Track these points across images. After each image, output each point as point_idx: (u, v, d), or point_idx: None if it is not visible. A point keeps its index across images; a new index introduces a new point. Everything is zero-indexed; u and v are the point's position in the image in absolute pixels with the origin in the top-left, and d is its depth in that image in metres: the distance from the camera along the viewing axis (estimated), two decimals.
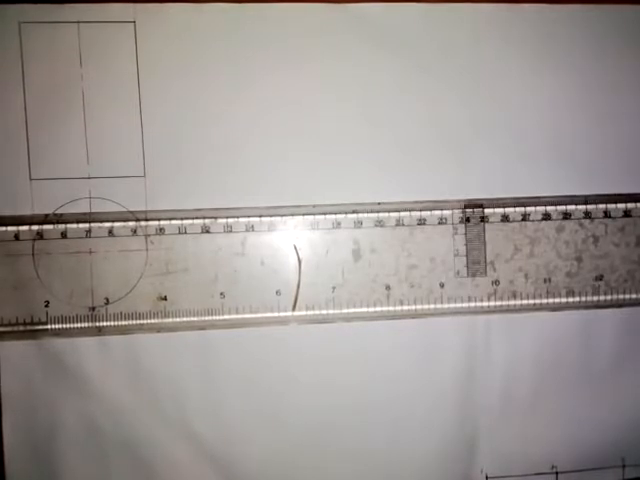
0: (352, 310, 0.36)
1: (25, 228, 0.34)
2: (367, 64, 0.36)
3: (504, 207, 0.37)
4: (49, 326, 0.34)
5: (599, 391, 0.38)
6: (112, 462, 0.35)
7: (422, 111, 0.36)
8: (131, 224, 0.35)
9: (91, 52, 0.35)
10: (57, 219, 0.35)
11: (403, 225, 0.36)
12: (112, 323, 0.35)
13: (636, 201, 0.37)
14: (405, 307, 0.36)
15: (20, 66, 0.34)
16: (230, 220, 0.35)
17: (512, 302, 0.37)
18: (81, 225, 0.35)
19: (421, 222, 0.36)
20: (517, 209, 0.37)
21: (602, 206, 0.37)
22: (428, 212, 0.36)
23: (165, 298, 0.35)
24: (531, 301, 0.37)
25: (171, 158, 0.35)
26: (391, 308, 0.36)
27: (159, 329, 0.35)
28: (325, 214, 0.36)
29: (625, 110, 0.37)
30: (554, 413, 0.38)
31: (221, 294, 0.35)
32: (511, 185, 0.37)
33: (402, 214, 0.36)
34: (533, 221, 0.37)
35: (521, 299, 0.37)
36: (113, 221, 0.35)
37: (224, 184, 0.36)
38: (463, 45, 0.37)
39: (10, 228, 0.34)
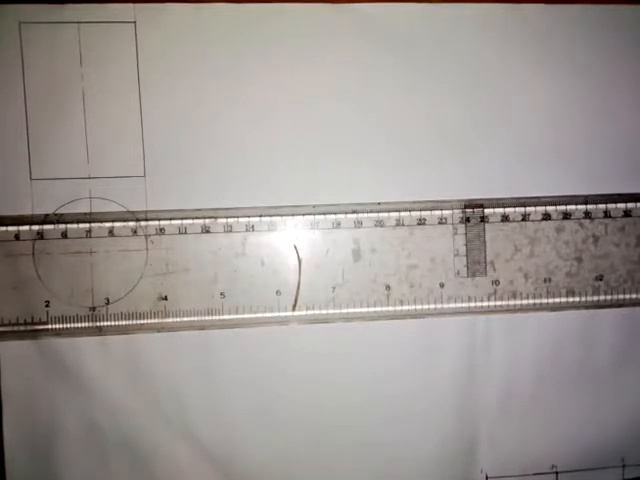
0: (352, 310, 0.36)
1: (25, 228, 0.34)
2: (367, 64, 0.36)
3: (504, 207, 0.37)
4: (49, 326, 0.35)
5: (599, 391, 0.38)
6: (112, 462, 0.35)
7: (422, 111, 0.36)
8: (131, 224, 0.35)
9: (91, 52, 0.35)
10: (57, 219, 0.35)
11: (403, 225, 0.36)
12: (112, 323, 0.35)
13: (636, 201, 0.37)
14: (405, 307, 0.36)
15: (20, 66, 0.34)
16: (230, 220, 0.35)
17: (512, 302, 0.37)
18: (81, 225, 0.35)
19: (421, 222, 0.36)
20: (517, 209, 0.37)
21: (602, 206, 0.37)
22: (428, 212, 0.36)
23: (165, 298, 0.35)
24: (531, 301, 0.37)
25: (171, 158, 0.35)
26: (391, 308, 0.36)
27: (159, 329, 0.35)
28: (325, 214, 0.36)
29: (625, 110, 0.37)
30: (554, 413, 0.38)
31: (221, 294, 0.35)
32: (511, 185, 0.37)
33: (402, 214, 0.36)
34: (533, 221, 0.37)
35: (521, 299, 0.37)
36: (113, 221, 0.35)
37: (224, 184, 0.36)
38: (463, 45, 0.37)
39: (10, 228, 0.34)
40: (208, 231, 0.35)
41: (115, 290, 0.35)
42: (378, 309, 0.36)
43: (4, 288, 0.34)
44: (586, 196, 0.37)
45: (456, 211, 0.36)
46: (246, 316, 0.35)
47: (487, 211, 0.36)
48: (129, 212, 0.35)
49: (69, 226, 0.35)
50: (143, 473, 0.36)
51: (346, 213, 0.36)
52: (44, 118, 0.35)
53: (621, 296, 0.37)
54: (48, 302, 0.35)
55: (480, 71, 0.37)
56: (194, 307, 0.35)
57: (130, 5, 0.35)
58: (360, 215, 0.36)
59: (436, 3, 0.36)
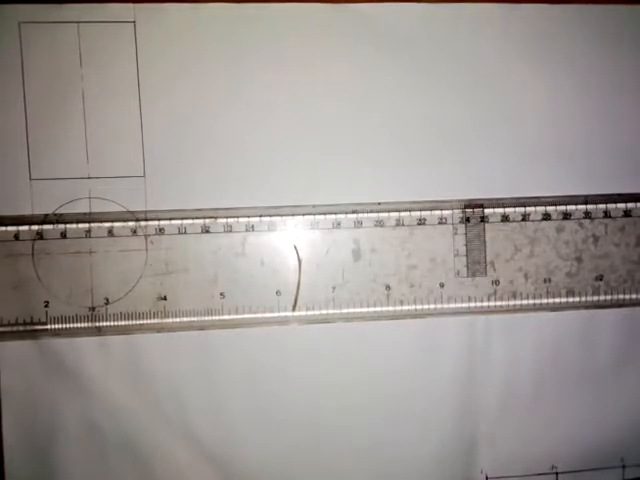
0: (352, 310, 0.36)
1: (25, 228, 0.34)
2: (367, 64, 0.36)
3: (504, 207, 0.37)
4: (49, 326, 0.34)
5: (599, 391, 0.38)
6: (112, 462, 0.35)
7: (422, 111, 0.36)
8: (131, 224, 0.35)
9: (91, 52, 0.35)
10: (57, 219, 0.35)
11: (403, 225, 0.36)
12: (112, 323, 0.35)
13: (636, 201, 0.37)
14: (405, 307, 0.36)
15: (20, 66, 0.34)
16: (230, 220, 0.35)
17: (512, 302, 0.37)
18: (81, 225, 0.35)
19: (421, 222, 0.36)
20: (517, 209, 0.37)
21: (602, 206, 0.37)
22: (428, 212, 0.36)
23: (165, 298, 0.35)
24: (531, 301, 0.37)
25: (171, 158, 0.35)
26: (391, 308, 0.36)
27: (159, 329, 0.35)
28: (325, 214, 0.36)
29: (625, 110, 0.37)
30: (554, 413, 0.38)
31: (221, 294, 0.35)
32: (511, 185, 0.37)
33: (402, 214, 0.36)
34: (533, 221, 0.37)
35: (521, 299, 0.37)
36: (113, 221, 0.35)
37: (224, 184, 0.36)
38: (463, 45, 0.37)
39: (10, 228, 0.34)
40: (208, 231, 0.35)
41: (115, 290, 0.35)
42: (378, 309, 0.36)
43: (4, 288, 0.34)
44: (586, 196, 0.37)
45: (456, 211, 0.36)
46: (246, 316, 0.35)
47: (487, 211, 0.36)
48: (129, 212, 0.35)
49: (69, 226, 0.35)
50: (143, 473, 0.36)
51: (346, 213, 0.36)
52: (44, 118, 0.35)
53: (621, 296, 0.37)
54: (47, 302, 0.34)
55: (480, 71, 0.37)
56: (194, 307, 0.35)
57: (130, 5, 0.35)
58: (360, 215, 0.36)
59: (435, 3, 0.36)
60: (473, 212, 0.36)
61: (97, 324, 0.35)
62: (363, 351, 0.36)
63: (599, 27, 0.37)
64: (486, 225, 0.36)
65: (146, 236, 0.35)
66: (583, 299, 0.37)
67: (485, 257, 0.36)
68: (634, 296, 0.37)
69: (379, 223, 0.36)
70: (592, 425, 0.38)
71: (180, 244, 0.35)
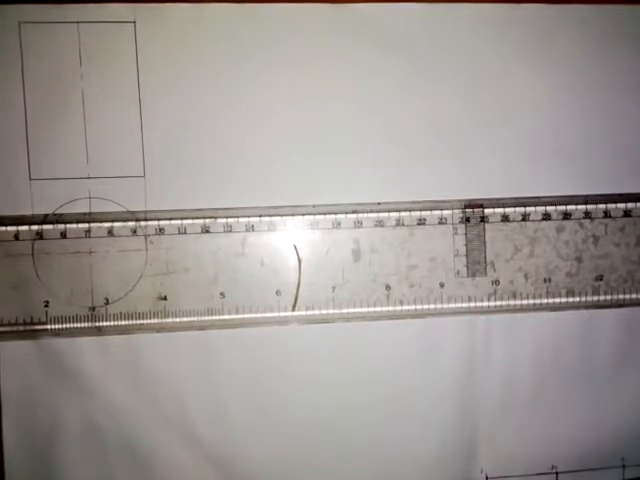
0: (352, 310, 0.36)
1: (25, 228, 0.34)
2: (367, 64, 0.36)
3: (504, 207, 0.37)
4: (49, 326, 0.34)
5: (599, 391, 0.38)
6: (112, 462, 0.35)
7: (422, 111, 0.36)
8: (131, 224, 0.35)
9: (91, 52, 0.35)
10: (57, 219, 0.35)
11: (403, 225, 0.36)
12: (112, 323, 0.35)
13: (636, 201, 0.37)
14: (405, 307, 0.36)
15: (20, 66, 0.34)
16: (230, 220, 0.35)
17: (512, 302, 0.37)
18: (81, 225, 0.35)
19: (421, 222, 0.36)
20: (517, 209, 0.37)
21: (602, 206, 0.37)
22: (428, 212, 0.36)
23: (165, 298, 0.35)
24: (531, 301, 0.37)
25: (171, 158, 0.35)
26: (391, 308, 0.36)
27: (159, 329, 0.35)
28: (325, 214, 0.36)
29: (625, 110, 0.37)
30: (554, 413, 0.38)
31: (221, 294, 0.35)
32: (511, 185, 0.37)
33: (402, 214, 0.36)
34: (533, 221, 0.37)
35: (521, 299, 0.37)
36: (113, 221, 0.35)
37: (224, 184, 0.36)
38: (463, 45, 0.37)
39: (10, 228, 0.34)
40: (208, 231, 0.35)
41: (115, 290, 0.35)
42: (378, 309, 0.36)
43: (3, 288, 0.34)
44: (586, 196, 0.37)
45: (456, 211, 0.36)
46: (246, 316, 0.35)
47: (487, 211, 0.36)
48: (129, 212, 0.35)
49: (68, 226, 0.35)
50: (143, 473, 0.36)
51: (346, 213, 0.36)
52: (44, 118, 0.35)
53: (621, 296, 0.37)
54: (47, 302, 0.34)
55: (479, 71, 0.37)
56: (194, 307, 0.35)
57: (130, 5, 0.35)
58: (360, 215, 0.36)
59: (435, 3, 0.36)
60: (473, 212, 0.36)
61: (97, 324, 0.35)
62: (363, 351, 0.36)
63: (599, 27, 0.37)
64: (486, 225, 0.36)
65: (146, 236, 0.35)
66: (583, 299, 0.37)
67: (485, 257, 0.36)
68: (634, 296, 0.37)
69: (379, 223, 0.36)
70: (592, 425, 0.38)
71: (180, 244, 0.35)
